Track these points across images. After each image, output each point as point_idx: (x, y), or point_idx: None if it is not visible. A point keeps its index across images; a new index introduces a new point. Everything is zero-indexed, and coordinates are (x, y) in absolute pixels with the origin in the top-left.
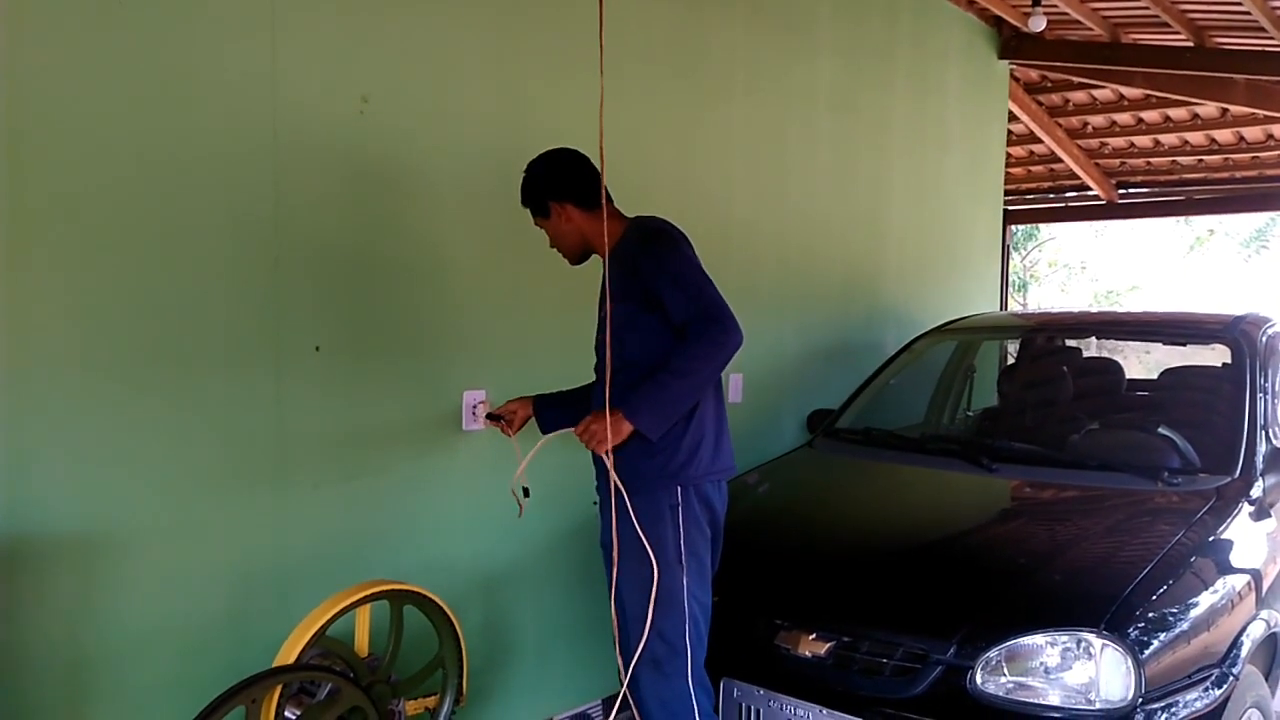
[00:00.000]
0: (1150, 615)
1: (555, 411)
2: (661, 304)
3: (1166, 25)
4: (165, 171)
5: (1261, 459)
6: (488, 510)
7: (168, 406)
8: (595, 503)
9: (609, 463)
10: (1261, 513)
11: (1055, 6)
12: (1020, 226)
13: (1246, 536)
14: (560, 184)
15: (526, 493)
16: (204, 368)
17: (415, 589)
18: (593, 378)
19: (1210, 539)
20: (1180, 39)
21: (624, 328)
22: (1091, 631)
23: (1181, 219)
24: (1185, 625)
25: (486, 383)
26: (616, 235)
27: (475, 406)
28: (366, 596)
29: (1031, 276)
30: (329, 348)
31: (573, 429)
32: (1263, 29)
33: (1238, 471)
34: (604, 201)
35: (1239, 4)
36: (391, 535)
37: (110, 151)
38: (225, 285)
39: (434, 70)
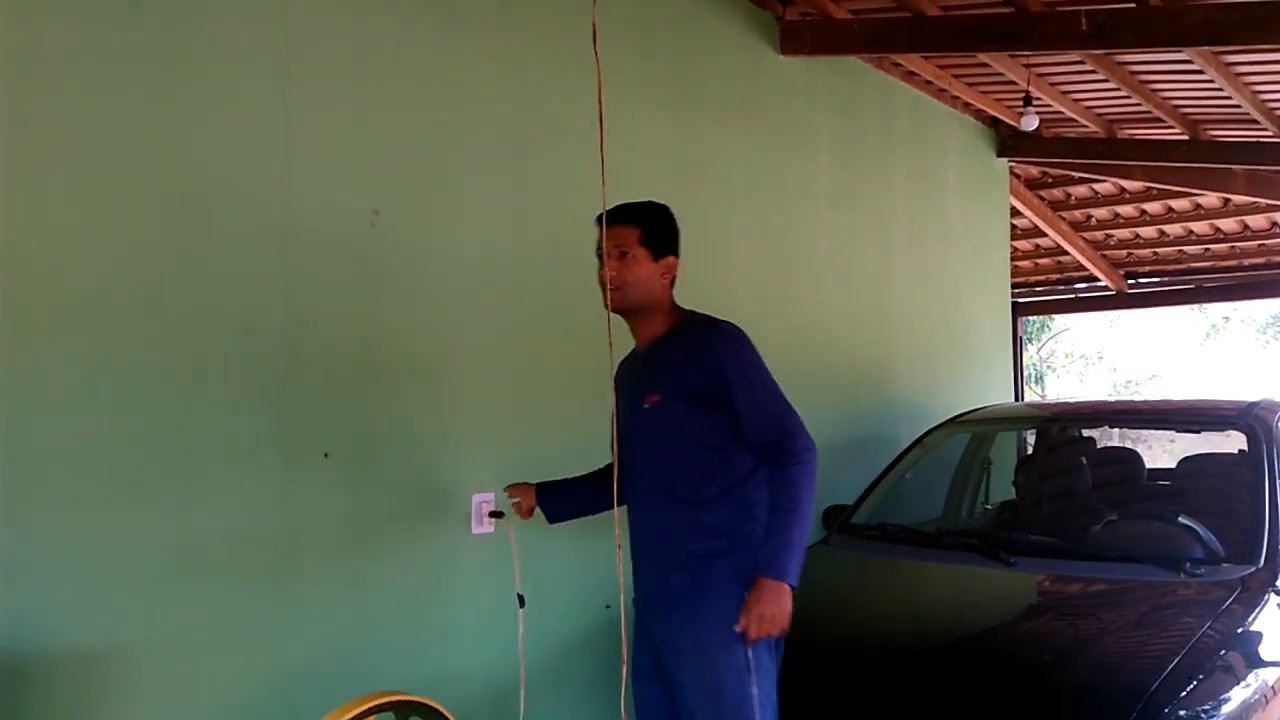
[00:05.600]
0: (1180, 713)
1: (563, 501)
2: (730, 410)
3: (1161, 120)
4: (176, 280)
5: None
6: (498, 617)
7: (173, 515)
8: (608, 606)
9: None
10: None
11: (1049, 106)
12: (1033, 318)
13: (1276, 628)
14: (676, 239)
15: (522, 601)
16: (210, 475)
17: (423, 700)
18: (606, 462)
19: (1239, 630)
20: (1176, 133)
21: (666, 426)
22: None
23: (1196, 306)
24: None
25: (496, 485)
26: (667, 321)
27: (484, 508)
28: (373, 708)
29: (1049, 367)
30: (338, 454)
31: (742, 624)
32: (1256, 120)
33: (1262, 560)
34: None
35: (1229, 98)
36: (399, 643)
37: (121, 259)
38: (234, 391)
39: (444, 180)
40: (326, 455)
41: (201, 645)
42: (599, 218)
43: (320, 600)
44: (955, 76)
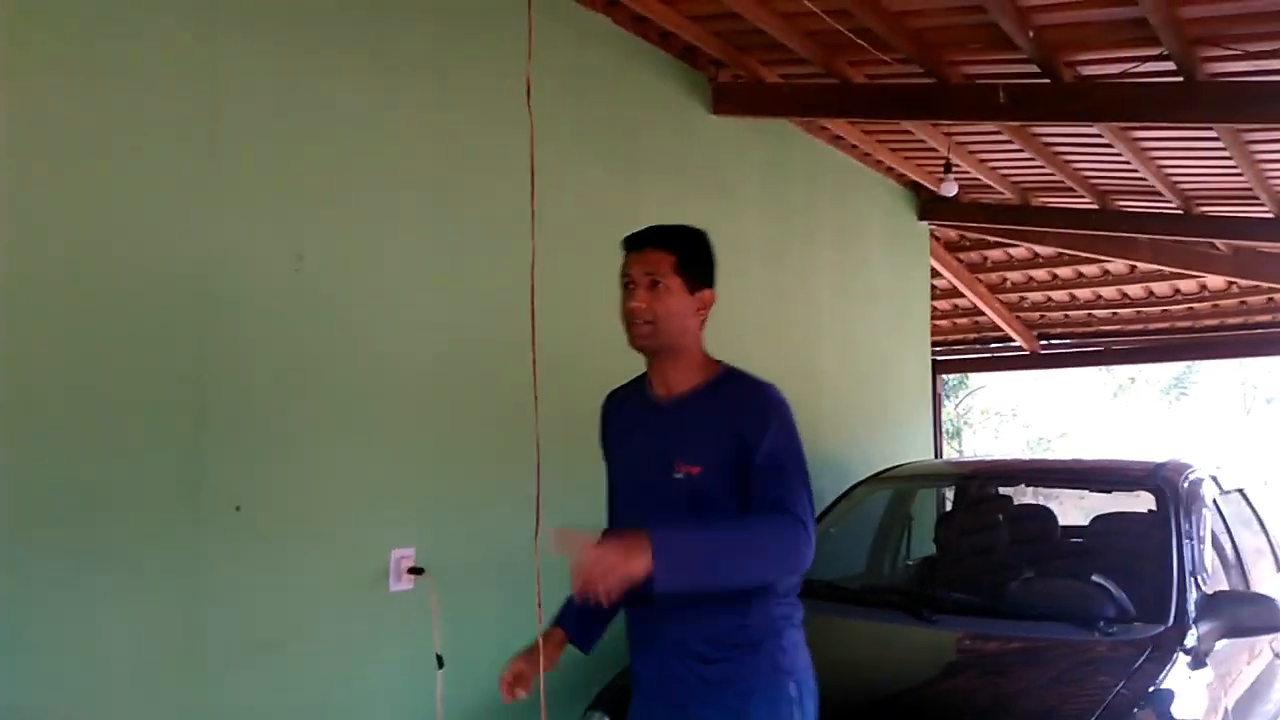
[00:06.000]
0: None
1: (590, 622)
2: (749, 478)
3: (1072, 190)
4: (82, 324)
5: (1194, 606)
6: (417, 679)
7: (72, 565)
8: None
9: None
10: (1198, 662)
11: (968, 172)
12: (951, 375)
13: (1185, 687)
14: (713, 271)
15: (440, 662)
16: (117, 531)
17: None
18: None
19: (1150, 689)
20: (1086, 202)
21: (704, 505)
22: None
23: (1104, 367)
24: None
25: (415, 540)
26: (701, 371)
27: (402, 564)
28: None
29: (965, 423)
30: (250, 506)
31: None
32: (1160, 193)
33: (1171, 620)
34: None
35: (1136, 170)
36: (312, 708)
37: (30, 307)
38: (143, 441)
39: (370, 228)
40: (238, 509)
41: (103, 708)
42: (626, 241)
43: (228, 662)
44: (879, 141)
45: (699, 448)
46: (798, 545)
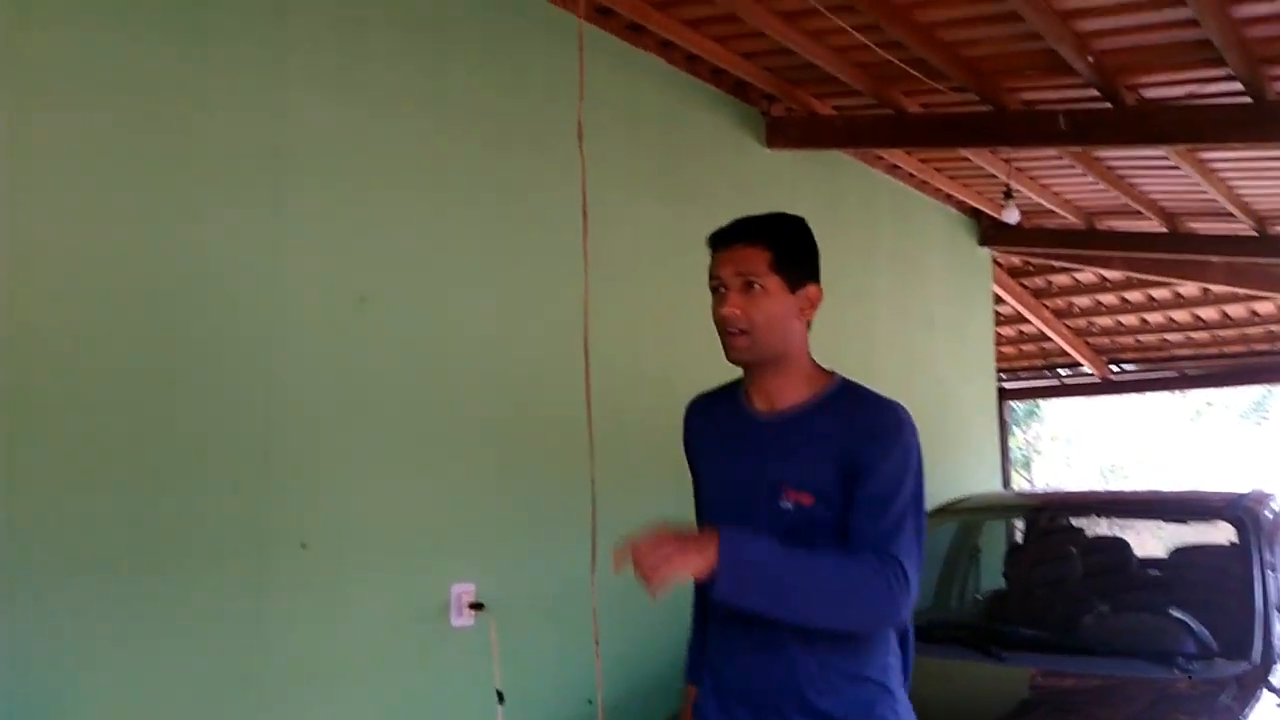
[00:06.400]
0: None
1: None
2: (850, 507)
3: (1139, 213)
4: (158, 365)
5: (1279, 642)
6: (476, 715)
7: (149, 612)
8: (590, 701)
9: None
10: None
11: (1029, 198)
12: (1019, 403)
13: None
14: (817, 262)
15: (501, 698)
16: (188, 564)
17: None
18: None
19: None
20: (1153, 225)
21: (816, 541)
22: None
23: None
24: None
25: (476, 574)
26: (810, 383)
27: (463, 599)
28: None
29: (1035, 452)
30: (314, 542)
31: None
32: (1232, 214)
33: (1256, 657)
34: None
35: (1205, 192)
36: None
37: (104, 351)
38: (211, 479)
39: (429, 265)
40: (304, 545)
41: None
42: (713, 238)
43: (291, 695)
44: (937, 169)
45: (811, 473)
46: (891, 596)
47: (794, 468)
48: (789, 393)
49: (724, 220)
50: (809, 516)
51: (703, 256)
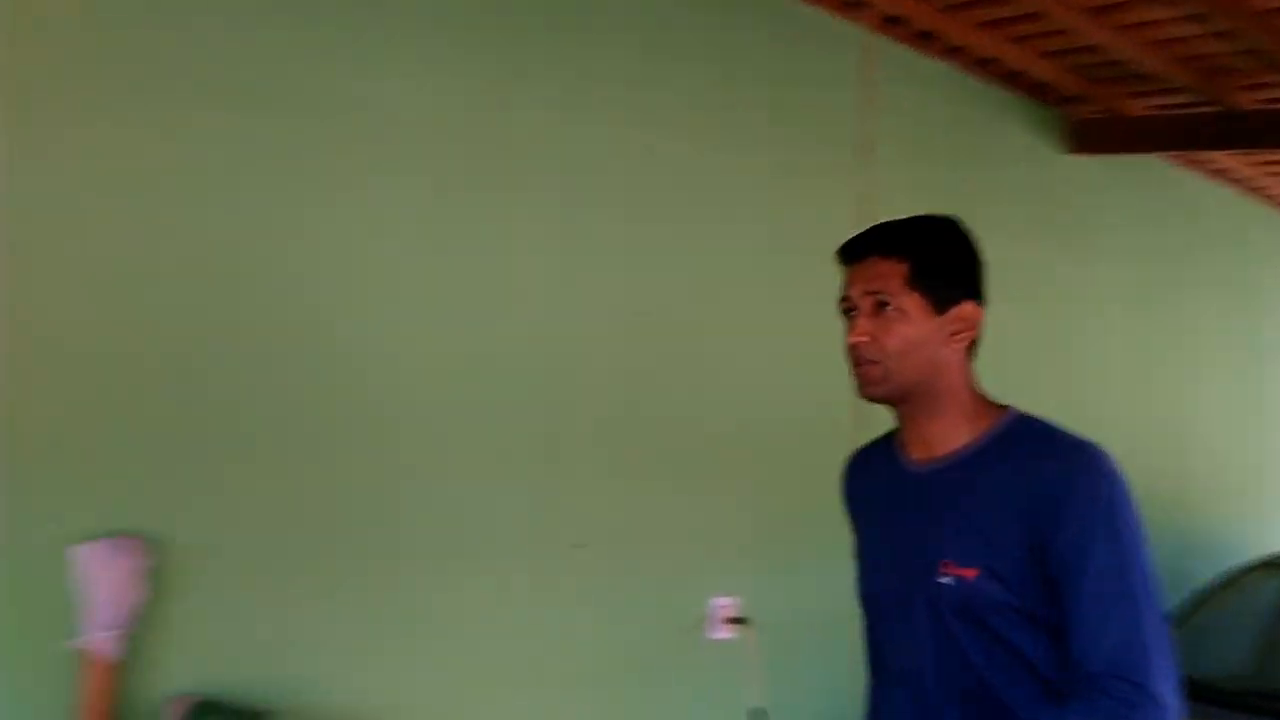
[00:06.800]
0: None
1: None
2: (1058, 602)
3: None
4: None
5: None
6: None
7: (445, 593)
8: None
9: None
10: None
11: None
12: None
13: None
14: (975, 275)
15: (757, 716)
16: (485, 549)
17: None
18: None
19: None
20: None
21: (983, 615)
22: None
23: None
24: None
25: (739, 588)
26: (973, 422)
27: (720, 613)
28: None
29: None
30: (589, 542)
31: None
32: None
33: None
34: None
35: None
36: None
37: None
38: (501, 477)
39: (709, 280)
40: (577, 545)
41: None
42: (842, 250)
43: (560, 686)
44: (1276, 175)
45: (975, 540)
46: None
47: (954, 533)
48: (948, 436)
49: (1017, 230)
50: (973, 591)
51: (995, 267)
